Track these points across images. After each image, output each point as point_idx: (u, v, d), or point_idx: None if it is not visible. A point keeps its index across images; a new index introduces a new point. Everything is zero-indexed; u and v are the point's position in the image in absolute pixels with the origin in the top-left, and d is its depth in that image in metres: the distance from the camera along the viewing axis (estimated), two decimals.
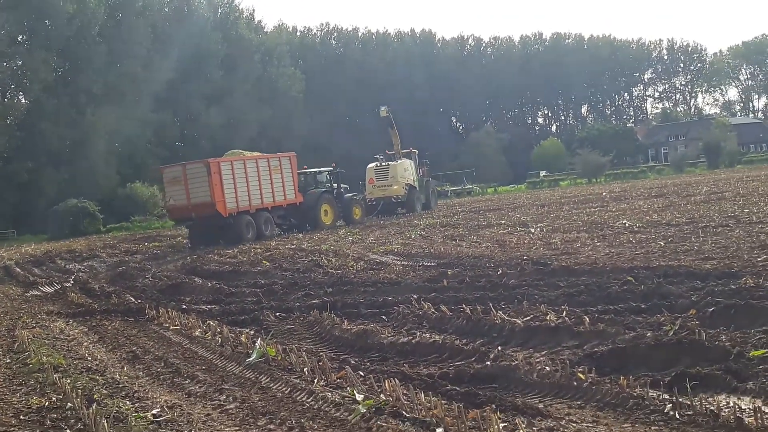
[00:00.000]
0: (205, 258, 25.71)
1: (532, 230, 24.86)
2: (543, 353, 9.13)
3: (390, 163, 45.54)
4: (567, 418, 6.62)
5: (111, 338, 12.60)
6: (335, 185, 40.18)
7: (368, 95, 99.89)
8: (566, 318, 10.19)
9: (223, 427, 7.11)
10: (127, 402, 8.17)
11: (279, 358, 9.36)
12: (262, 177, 34.92)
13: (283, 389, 8.24)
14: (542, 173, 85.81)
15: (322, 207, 38.17)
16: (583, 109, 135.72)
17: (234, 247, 30.09)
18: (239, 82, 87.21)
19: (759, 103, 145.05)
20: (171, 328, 12.70)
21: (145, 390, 8.78)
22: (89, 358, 10.87)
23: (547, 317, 10.33)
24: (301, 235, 34.30)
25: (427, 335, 10.44)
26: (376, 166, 45.54)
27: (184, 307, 14.96)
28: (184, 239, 36.88)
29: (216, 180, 32.58)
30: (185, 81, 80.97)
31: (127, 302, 16.26)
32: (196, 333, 11.76)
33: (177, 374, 9.48)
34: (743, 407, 6.44)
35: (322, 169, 40.75)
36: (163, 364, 10.21)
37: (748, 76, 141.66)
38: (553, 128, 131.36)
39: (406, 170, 45.31)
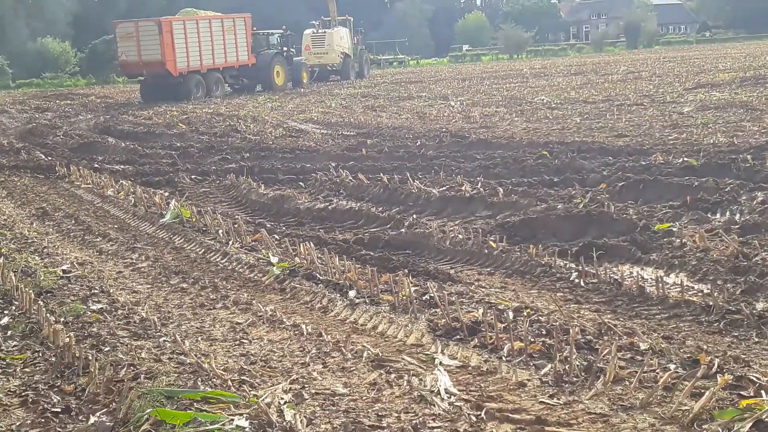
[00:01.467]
0: (119, 118, 25.03)
1: (453, 103, 24.89)
2: (457, 222, 9.28)
3: (326, 30, 45.08)
4: (476, 284, 6.79)
5: (20, 194, 12.29)
6: (285, 48, 40.17)
7: None
8: (481, 189, 10.34)
9: (134, 284, 7.07)
10: (36, 257, 8.04)
11: (194, 219, 9.29)
12: (214, 37, 35.04)
13: (197, 250, 8.22)
14: (465, 47, 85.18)
15: (275, 68, 38.40)
16: None
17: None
18: None
19: None
20: (83, 186, 12.45)
21: (54, 246, 8.64)
22: None
23: (463, 188, 10.46)
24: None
25: (344, 202, 10.49)
26: (313, 32, 45.06)
27: (97, 166, 14.64)
28: (96, 98, 35.94)
29: (167, 39, 32.71)
30: None
31: (36, 159, 15.79)
32: (109, 192, 11.56)
33: (88, 232, 9.34)
34: (645, 277, 6.71)
35: (273, 31, 40.71)
36: (73, 221, 10.03)
37: None
38: (478, 2, 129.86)
39: (342, 38, 45.03)
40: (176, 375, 4.71)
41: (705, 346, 4.95)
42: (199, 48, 34.26)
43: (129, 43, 33.54)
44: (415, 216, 9.50)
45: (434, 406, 4.20)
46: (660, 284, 6.08)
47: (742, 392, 4.21)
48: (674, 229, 7.90)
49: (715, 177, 10.05)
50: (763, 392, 4.14)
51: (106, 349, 5.23)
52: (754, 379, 4.32)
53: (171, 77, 33.27)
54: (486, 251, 7.65)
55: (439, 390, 4.36)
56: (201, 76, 34.58)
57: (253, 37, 38.23)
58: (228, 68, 36.37)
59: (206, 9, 40.34)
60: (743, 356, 4.79)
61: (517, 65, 53.91)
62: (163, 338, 5.41)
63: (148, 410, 4.12)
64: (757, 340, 5.14)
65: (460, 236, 8.19)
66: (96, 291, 6.71)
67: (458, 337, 5.26)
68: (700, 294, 6.08)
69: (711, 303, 5.67)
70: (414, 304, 5.85)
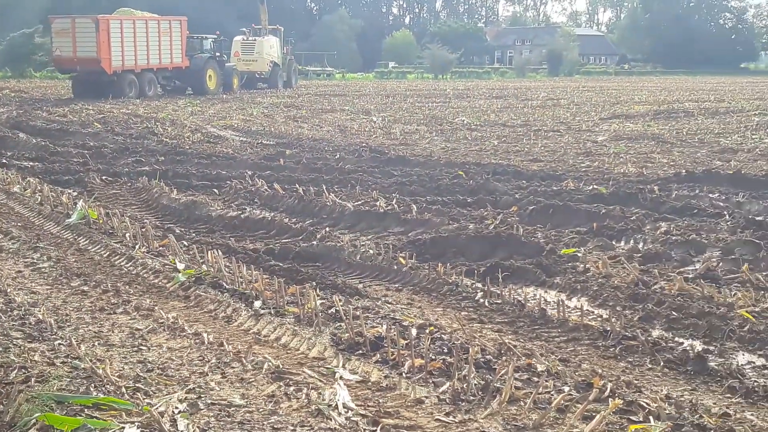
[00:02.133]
0: (33, 114, 24.36)
1: (375, 119, 25.01)
2: (369, 237, 9.30)
3: (257, 38, 45.22)
4: (383, 299, 6.81)
5: None
6: (218, 53, 40.38)
7: None
8: (395, 205, 10.39)
9: (33, 285, 6.87)
10: None
11: (101, 221, 9.09)
12: (150, 38, 35.35)
13: (102, 252, 8.04)
14: (391, 64, 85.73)
15: (208, 72, 38.59)
16: (438, 4, 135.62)
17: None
18: None
19: (604, 16, 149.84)
20: None
21: None
22: None
23: (378, 203, 10.50)
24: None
25: (257, 211, 10.41)
26: (243, 39, 45.09)
27: (4, 161, 14.21)
28: (11, 92, 34.99)
29: (103, 37, 32.92)
30: None
31: None
32: (15, 189, 11.22)
33: None
34: (548, 300, 6.83)
35: (207, 35, 40.88)
36: None
37: None
38: (407, 20, 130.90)
39: (271, 47, 45.24)
40: (69, 380, 4.59)
41: (600, 370, 5.06)
42: (134, 48, 34.57)
43: (64, 39, 33.82)
44: (328, 229, 9.49)
45: (331, 420, 4.19)
46: (561, 307, 6.20)
47: (632, 417, 4.31)
48: (579, 255, 8.07)
49: (623, 205, 10.33)
50: (651, 418, 4.25)
51: None
52: (645, 404, 4.43)
53: (105, 75, 33.40)
54: (395, 267, 7.68)
55: (337, 404, 4.35)
56: (135, 76, 34.76)
57: (187, 40, 38.43)
58: (161, 69, 36.66)
59: (139, 9, 40.00)
60: (636, 381, 4.91)
61: (441, 85, 54.51)
62: (59, 341, 5.26)
63: (36, 414, 4.01)
64: (650, 366, 5.29)
65: (371, 251, 8.21)
66: None
67: (361, 351, 5.26)
68: (599, 319, 6.22)
69: (609, 328, 5.81)
70: (319, 317, 5.83)
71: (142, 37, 34.99)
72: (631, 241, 8.84)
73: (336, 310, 5.99)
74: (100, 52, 32.91)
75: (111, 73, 33.53)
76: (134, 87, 34.64)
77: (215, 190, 12.03)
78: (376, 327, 5.65)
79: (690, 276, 7.37)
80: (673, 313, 6.21)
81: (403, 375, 4.86)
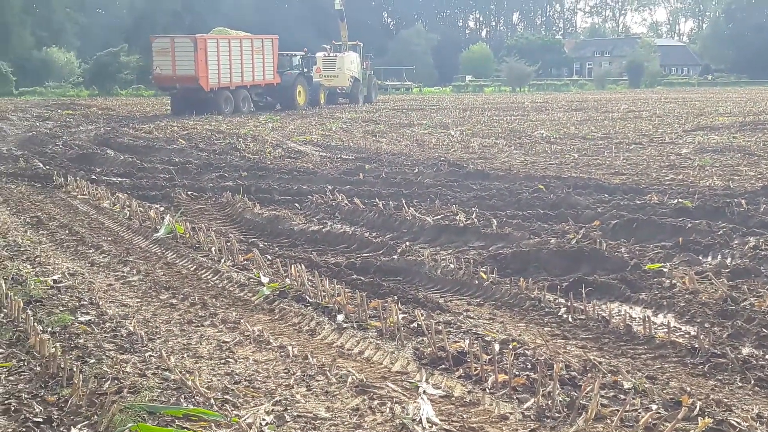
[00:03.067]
0: (120, 131, 25.11)
1: (452, 133, 24.99)
2: (449, 251, 9.30)
3: (338, 54, 46.02)
4: (465, 314, 6.81)
5: (15, 202, 12.31)
6: (306, 69, 41.38)
7: None
8: (475, 219, 10.36)
9: (124, 297, 7.08)
10: (28, 266, 8.05)
11: (187, 235, 9.31)
12: (244, 56, 36.83)
13: (189, 266, 8.23)
14: (468, 78, 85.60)
15: (297, 88, 39.61)
16: (515, 17, 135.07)
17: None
18: None
19: (685, 26, 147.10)
20: (78, 197, 12.46)
21: (47, 255, 8.65)
22: None
23: (457, 217, 10.49)
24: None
25: (338, 226, 10.50)
26: (324, 56, 45.83)
27: (94, 177, 14.66)
28: (98, 110, 36.13)
29: (201, 56, 34.40)
30: None
31: (35, 167, 15.85)
32: (105, 204, 11.58)
33: (81, 243, 9.35)
34: (634, 316, 6.72)
35: (296, 52, 42.00)
36: (67, 231, 10.04)
37: None
38: (483, 33, 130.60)
39: (352, 63, 46.00)
40: (159, 391, 4.71)
41: (688, 388, 4.96)
42: (230, 65, 36.04)
43: (164, 58, 35.10)
44: (408, 243, 9.51)
45: None
46: (647, 324, 6.10)
47: None
48: (665, 270, 7.92)
49: (709, 220, 10.09)
50: None
51: (92, 361, 5.24)
52: (735, 423, 4.33)
53: (202, 92, 34.76)
54: (476, 282, 7.67)
55: (421, 419, 4.37)
56: (230, 93, 36.24)
57: (278, 57, 39.60)
58: (254, 86, 38.06)
59: (225, 27, 41.16)
60: (726, 400, 4.80)
61: (519, 98, 54.19)
62: (149, 353, 5.41)
63: (129, 425, 4.14)
64: (740, 384, 5.16)
65: (452, 266, 8.21)
66: (85, 302, 6.71)
67: (443, 366, 5.27)
68: (686, 336, 6.10)
69: (697, 345, 5.69)
70: (401, 331, 5.86)
71: (237, 55, 36.36)
72: (719, 256, 8.64)
73: (418, 324, 6.01)
74: (198, 70, 34.30)
75: (208, 90, 34.86)
76: (230, 103, 36.02)
77: (297, 205, 12.19)
78: (459, 342, 5.65)
79: None
80: (764, 330, 6.04)
81: (487, 390, 4.85)
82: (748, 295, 7.03)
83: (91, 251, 8.97)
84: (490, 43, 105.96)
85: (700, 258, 8.57)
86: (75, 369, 4.93)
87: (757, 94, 53.67)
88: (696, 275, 7.63)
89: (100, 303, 6.72)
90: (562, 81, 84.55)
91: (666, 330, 6.06)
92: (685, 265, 8.22)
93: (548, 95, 60.46)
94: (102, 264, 8.38)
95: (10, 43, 64.68)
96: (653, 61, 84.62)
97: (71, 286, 7.24)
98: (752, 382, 5.16)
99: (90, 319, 6.18)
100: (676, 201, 11.51)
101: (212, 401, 4.56)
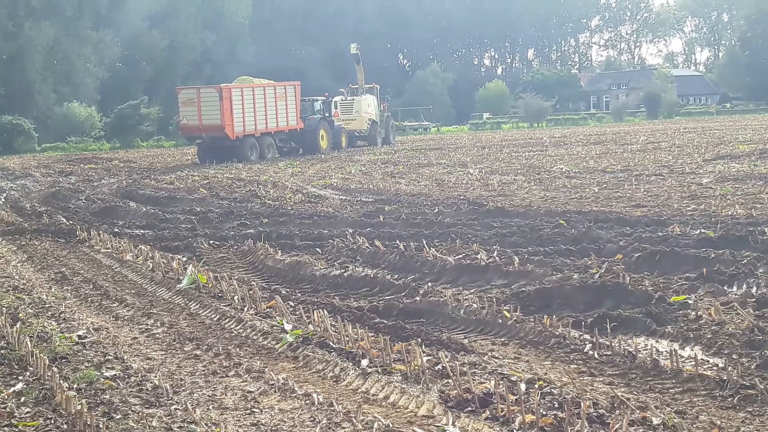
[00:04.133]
0: (141, 183, 25.35)
1: (471, 171, 25.04)
2: (472, 291, 9.27)
3: (355, 98, 46.64)
4: (490, 354, 6.77)
5: (40, 258, 12.42)
6: (327, 113, 42.03)
7: (316, 25, 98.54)
8: (497, 257, 10.34)
9: (149, 350, 7.10)
10: (53, 322, 8.10)
11: (210, 285, 9.34)
12: (268, 103, 37.46)
13: (212, 316, 8.26)
14: (485, 115, 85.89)
15: (320, 132, 40.24)
16: (530, 53, 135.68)
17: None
18: (183, 3, 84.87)
19: (701, 56, 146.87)
20: (102, 251, 12.56)
21: (71, 311, 8.70)
22: (16, 277, 10.72)
23: (479, 256, 10.46)
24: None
25: (360, 269, 10.50)
26: (342, 99, 46.35)
27: (117, 230, 14.78)
28: (120, 163, 36.52)
29: (227, 105, 35.00)
30: None
31: (58, 223, 16.00)
32: (128, 257, 11.65)
33: (105, 297, 9.41)
34: (660, 350, 6.65)
35: (317, 97, 42.77)
36: (91, 286, 10.11)
37: (693, 28, 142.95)
38: (499, 71, 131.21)
39: (369, 105, 46.52)
40: None
41: (718, 422, 4.90)
42: (254, 113, 36.67)
43: (190, 108, 35.82)
44: (430, 284, 9.50)
45: None
46: (674, 357, 6.04)
47: None
48: (690, 302, 7.84)
49: (732, 249, 10.00)
50: None
51: (118, 416, 5.25)
52: None
53: (228, 140, 35.40)
54: (500, 321, 7.63)
55: None
56: (255, 140, 36.85)
57: (300, 103, 40.24)
58: (279, 132, 38.67)
59: (248, 76, 41.96)
60: None
61: (537, 134, 54.26)
62: (175, 406, 5.42)
63: None
64: None
65: (475, 305, 8.18)
66: (110, 357, 6.74)
67: (470, 408, 5.24)
68: (714, 368, 6.03)
69: (725, 377, 5.62)
70: (426, 374, 5.84)
71: (261, 102, 37.01)
72: (744, 286, 8.55)
73: (442, 366, 5.98)
74: (224, 119, 34.91)
75: (234, 139, 35.46)
76: (255, 150, 36.62)
77: (318, 250, 12.21)
78: (484, 383, 5.62)
79: None
80: None
81: (515, 431, 4.80)
82: None
83: (115, 305, 9.02)
84: (506, 80, 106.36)
85: (725, 288, 8.48)
86: (102, 426, 4.94)
87: None
88: (722, 306, 7.55)
89: (125, 357, 6.74)
90: (579, 115, 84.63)
91: (693, 363, 5.99)
92: (710, 296, 8.13)
93: (566, 129, 60.49)
94: (126, 317, 8.42)
95: (32, 100, 65.68)
96: (670, 91, 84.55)
97: (96, 341, 7.28)
98: None
99: (115, 374, 6.20)
100: (698, 231, 11.44)
101: None
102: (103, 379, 6.05)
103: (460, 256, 10.69)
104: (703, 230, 11.49)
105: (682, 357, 6.27)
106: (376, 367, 6.18)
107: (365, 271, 10.34)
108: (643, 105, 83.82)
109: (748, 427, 4.89)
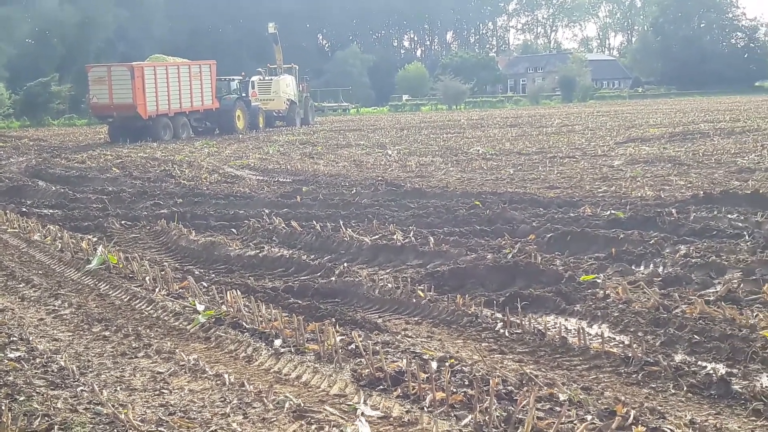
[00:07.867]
0: (52, 161, 24.66)
1: (390, 152, 25.11)
2: (387, 271, 9.31)
3: (273, 77, 46.31)
4: (403, 333, 6.81)
5: None
6: (244, 93, 41.70)
7: (233, 4, 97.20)
8: (413, 238, 10.40)
9: (55, 332, 6.92)
10: None
11: (120, 266, 9.15)
12: (182, 82, 36.91)
13: (122, 297, 8.09)
14: (405, 97, 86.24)
15: (237, 112, 39.81)
16: (449, 36, 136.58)
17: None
18: None
19: (615, 40, 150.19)
20: (8, 230, 12.16)
21: None
22: None
23: (395, 236, 10.51)
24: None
25: (276, 249, 10.44)
26: (259, 79, 45.98)
27: (24, 210, 14.33)
28: (30, 141, 35.49)
29: (138, 84, 34.31)
30: None
31: None
32: (35, 237, 11.32)
33: (11, 278, 9.12)
34: (569, 328, 6.80)
35: (234, 77, 42.39)
36: None
37: (607, 13, 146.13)
38: (418, 53, 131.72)
39: (288, 85, 46.27)
40: (92, 426, 4.62)
41: (622, 397, 5.02)
42: (167, 93, 36.06)
43: (101, 87, 35.19)
44: (346, 264, 9.50)
45: None
46: (582, 335, 6.17)
47: None
48: (598, 281, 8.04)
49: (641, 230, 10.28)
50: None
51: (21, 398, 5.10)
52: (669, 430, 4.39)
53: (140, 120, 34.68)
54: (414, 300, 7.68)
55: None
56: (169, 119, 36.27)
57: (216, 82, 39.72)
58: (193, 112, 38.14)
59: (162, 54, 40.98)
60: (659, 407, 4.87)
61: (456, 116, 54.68)
62: (81, 388, 5.29)
63: None
64: (673, 391, 5.24)
65: (390, 285, 8.21)
66: (15, 338, 6.54)
67: (381, 387, 5.25)
68: (620, 345, 6.18)
69: (630, 354, 5.77)
70: (339, 353, 5.83)
71: (175, 82, 36.43)
72: (651, 266, 8.79)
73: (356, 345, 5.98)
74: (136, 98, 34.21)
75: (146, 118, 34.81)
76: (168, 130, 36.00)
77: (233, 230, 12.08)
78: (397, 361, 5.64)
79: (711, 299, 7.30)
80: (695, 336, 6.17)
81: (425, 409, 4.84)
82: (680, 302, 7.17)
83: (21, 286, 8.75)
84: (425, 62, 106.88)
85: (633, 268, 8.71)
86: (3, 407, 4.79)
87: (686, 105, 55.03)
88: (629, 285, 7.75)
89: (30, 338, 6.55)
90: (497, 98, 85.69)
91: (600, 340, 6.13)
92: (619, 275, 8.35)
93: (484, 112, 61.13)
94: (32, 298, 8.19)
95: None
96: (585, 75, 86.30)
97: (0, 323, 7.05)
98: (685, 388, 5.25)
99: (20, 356, 6.02)
100: (608, 212, 11.71)
101: None
102: (6, 361, 5.86)
103: (377, 236, 10.72)
104: (613, 211, 11.77)
105: (590, 335, 6.42)
106: (289, 347, 6.15)
107: (281, 251, 10.28)
108: (559, 88, 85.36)
109: (651, 402, 5.02)
